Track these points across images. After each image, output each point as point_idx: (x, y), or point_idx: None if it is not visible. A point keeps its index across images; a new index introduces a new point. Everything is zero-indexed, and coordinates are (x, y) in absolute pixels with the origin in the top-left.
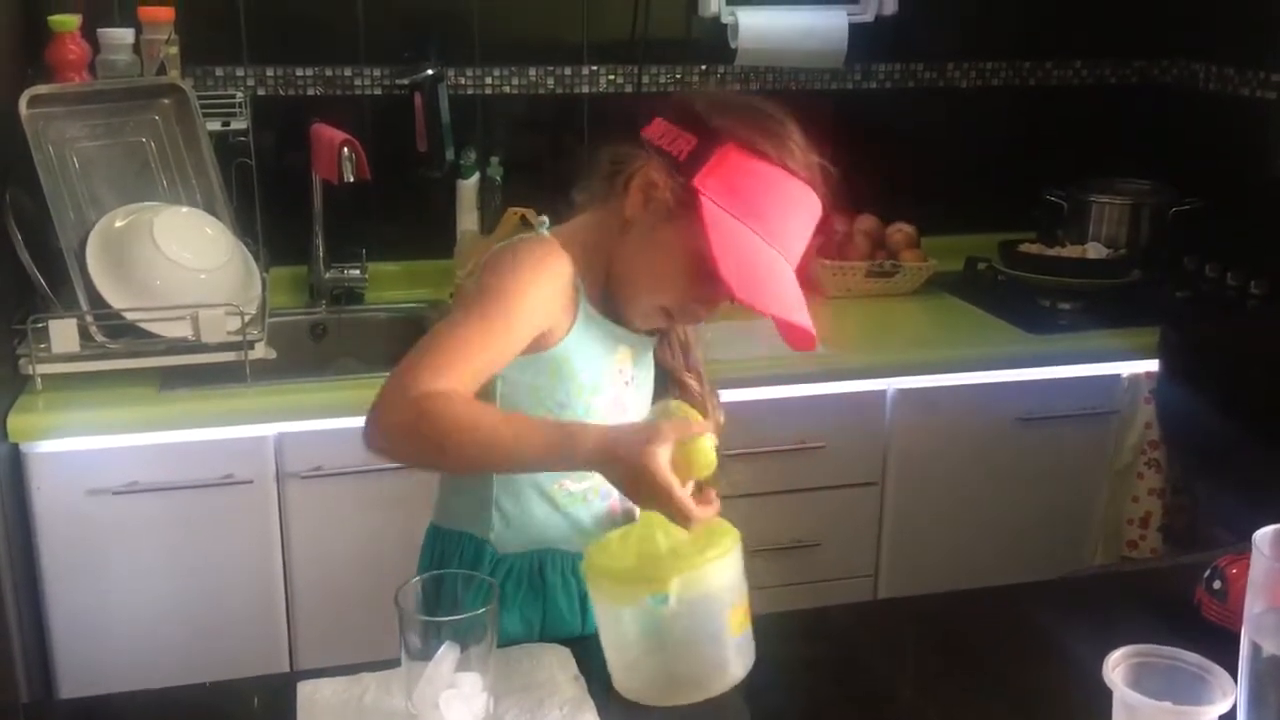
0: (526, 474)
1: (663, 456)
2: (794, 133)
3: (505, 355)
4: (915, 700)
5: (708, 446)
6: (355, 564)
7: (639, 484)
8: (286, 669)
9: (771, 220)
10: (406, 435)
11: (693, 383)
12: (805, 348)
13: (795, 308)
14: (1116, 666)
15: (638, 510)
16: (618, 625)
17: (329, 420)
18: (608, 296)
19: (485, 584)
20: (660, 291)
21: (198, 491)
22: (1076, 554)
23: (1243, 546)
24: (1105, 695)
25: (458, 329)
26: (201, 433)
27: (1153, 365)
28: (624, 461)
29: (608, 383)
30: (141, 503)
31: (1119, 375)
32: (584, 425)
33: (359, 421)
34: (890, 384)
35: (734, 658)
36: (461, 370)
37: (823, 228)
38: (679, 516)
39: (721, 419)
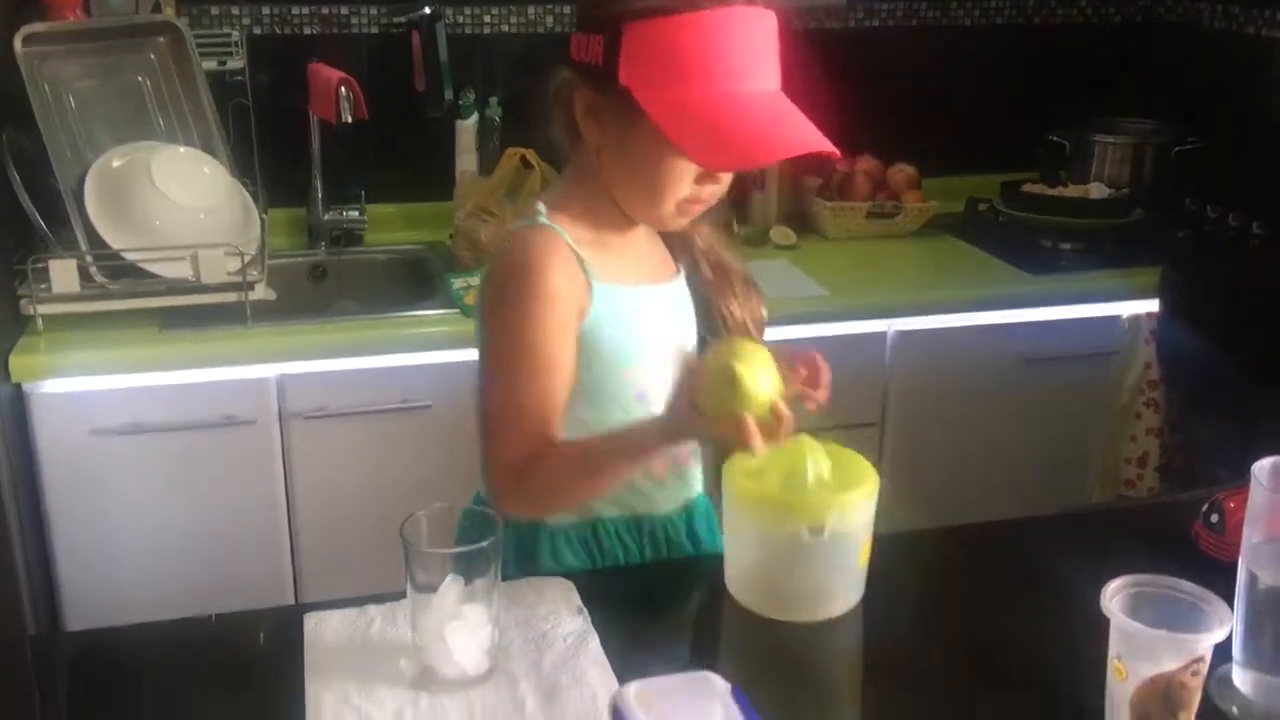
0: None
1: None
2: None
3: (564, 373)
4: (914, 633)
5: (753, 382)
6: (358, 502)
7: (692, 431)
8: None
9: (711, 65)
10: (533, 509)
11: (732, 303)
12: (832, 156)
13: (791, 138)
14: (1114, 596)
15: (681, 460)
16: (759, 545)
17: (330, 361)
18: (633, 219)
19: (489, 517)
20: (664, 193)
21: (201, 432)
22: (1074, 494)
23: (1240, 481)
24: (1103, 625)
25: (509, 390)
26: (203, 373)
27: (1153, 305)
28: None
29: (643, 350)
30: (145, 443)
31: (1119, 316)
32: (641, 425)
33: (360, 362)
34: (890, 325)
35: (852, 587)
36: (531, 425)
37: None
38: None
39: (763, 312)
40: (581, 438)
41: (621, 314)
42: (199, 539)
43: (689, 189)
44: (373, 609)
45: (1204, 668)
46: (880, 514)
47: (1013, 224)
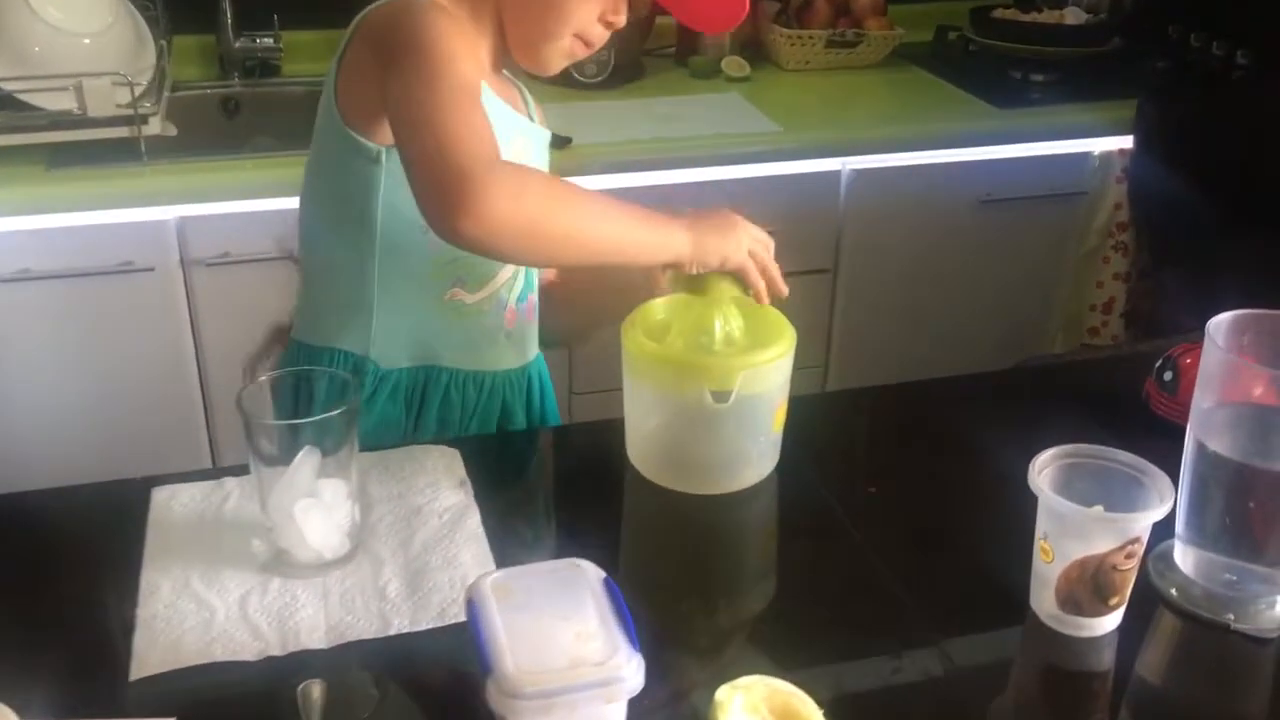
0: (447, 281)
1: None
2: None
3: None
4: (829, 507)
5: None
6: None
7: (730, 233)
8: (209, 463)
9: None
10: (516, 207)
11: None
12: (733, 20)
13: None
14: (1044, 469)
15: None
16: (661, 411)
17: (237, 203)
18: (507, 54)
19: (342, 381)
20: (571, 17)
21: (95, 279)
22: (1036, 342)
23: (1198, 336)
24: (1033, 499)
25: (457, 110)
26: (96, 215)
27: (1127, 142)
28: (715, 216)
29: None
30: (35, 291)
31: (1090, 153)
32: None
33: (270, 204)
34: (845, 163)
35: (765, 455)
36: (491, 143)
37: None
38: (764, 274)
39: None
40: None
41: (498, 127)
42: (106, 394)
43: (592, 18)
44: (230, 482)
45: (1139, 549)
46: (830, 366)
47: (983, 54)
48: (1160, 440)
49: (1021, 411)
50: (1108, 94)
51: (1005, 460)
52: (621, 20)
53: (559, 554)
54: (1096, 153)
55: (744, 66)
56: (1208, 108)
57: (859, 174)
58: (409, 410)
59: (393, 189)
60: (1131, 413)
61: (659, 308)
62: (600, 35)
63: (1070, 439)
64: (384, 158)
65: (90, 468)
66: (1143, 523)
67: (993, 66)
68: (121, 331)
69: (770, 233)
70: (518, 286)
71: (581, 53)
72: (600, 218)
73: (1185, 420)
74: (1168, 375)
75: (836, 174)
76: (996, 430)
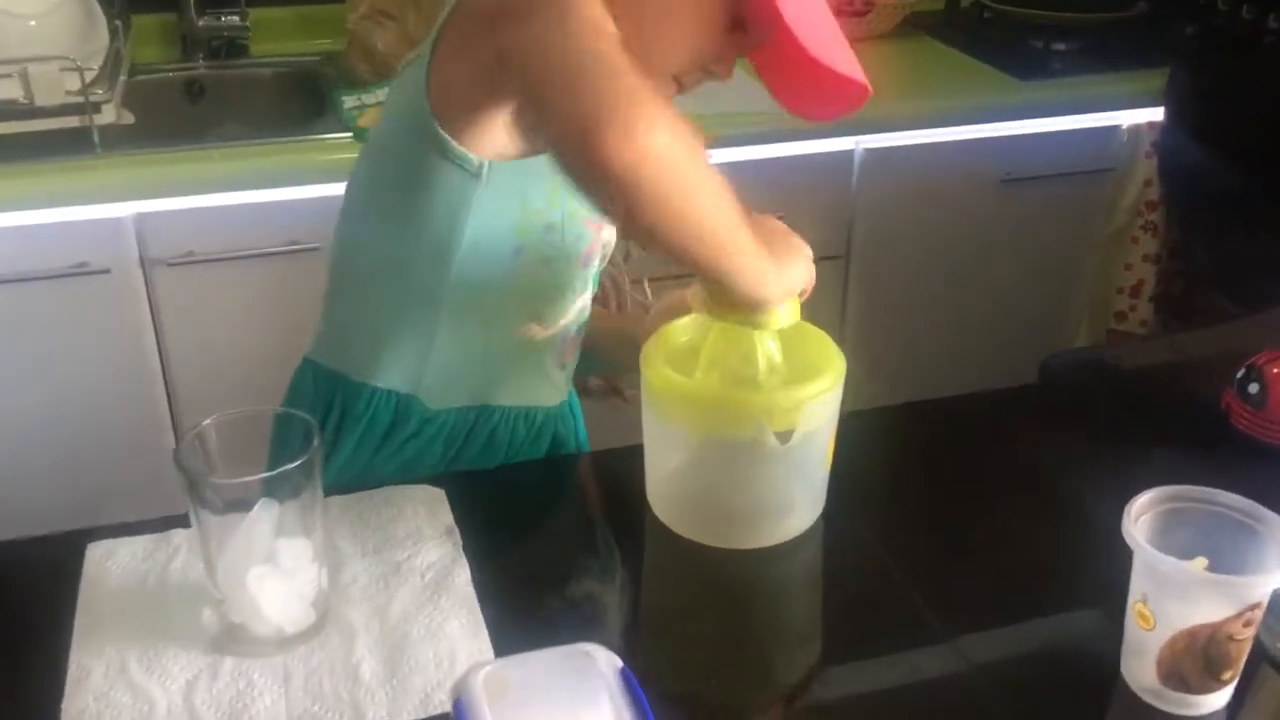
0: (525, 314)
1: None
2: None
3: None
4: (880, 559)
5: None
6: (245, 359)
7: (795, 250)
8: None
9: None
10: (667, 155)
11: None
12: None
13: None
14: (1140, 517)
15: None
16: (698, 453)
17: (202, 197)
18: None
19: (305, 422)
20: (681, 54)
21: (46, 283)
22: (1061, 329)
23: (1256, 330)
24: (1117, 544)
25: (604, 54)
26: (46, 214)
27: (1157, 114)
28: (773, 237)
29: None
30: None
31: (1118, 127)
32: None
33: (237, 198)
34: (858, 142)
35: (814, 500)
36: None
37: None
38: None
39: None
40: None
41: None
42: (58, 409)
43: (702, 61)
44: (178, 535)
45: (1260, 615)
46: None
47: (1000, 21)
48: (1245, 457)
49: (1084, 430)
50: (1134, 63)
51: (1078, 494)
52: (726, 73)
53: (564, 616)
54: (1124, 126)
55: None
56: (1240, 75)
57: (872, 153)
58: (446, 451)
59: (490, 208)
60: (1205, 428)
61: (681, 330)
62: (696, 81)
63: (1146, 463)
64: (486, 172)
65: (44, 491)
66: (1267, 587)
67: (1010, 35)
68: (77, 339)
69: (780, 219)
70: (583, 314)
71: (670, 94)
72: (727, 213)
73: (1277, 439)
74: (1253, 388)
75: (848, 154)
76: (1061, 456)
